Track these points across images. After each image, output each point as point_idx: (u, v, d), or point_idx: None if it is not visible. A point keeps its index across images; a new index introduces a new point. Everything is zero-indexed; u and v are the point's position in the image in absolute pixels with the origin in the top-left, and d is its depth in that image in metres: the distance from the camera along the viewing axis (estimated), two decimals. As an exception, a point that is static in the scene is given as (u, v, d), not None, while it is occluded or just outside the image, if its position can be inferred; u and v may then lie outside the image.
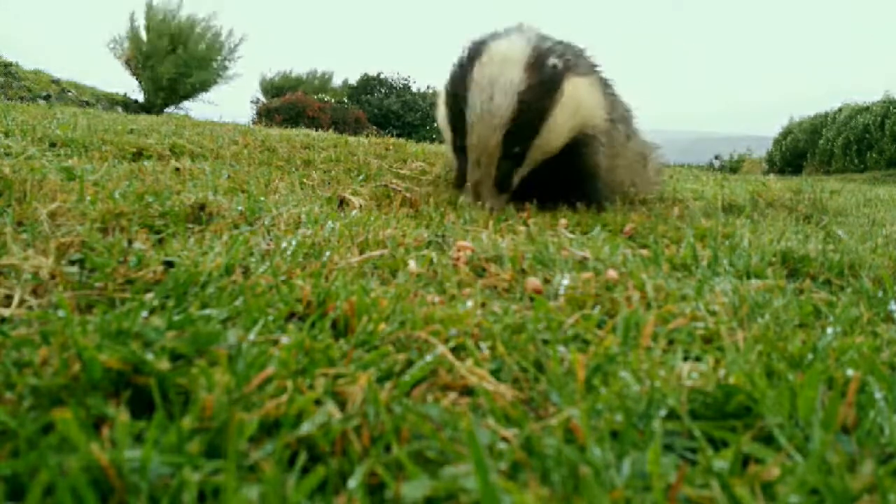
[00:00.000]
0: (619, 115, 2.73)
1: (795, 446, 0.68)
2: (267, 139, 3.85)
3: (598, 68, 2.66)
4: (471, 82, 2.25)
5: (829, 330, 1.03)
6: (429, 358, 0.82)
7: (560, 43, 2.51)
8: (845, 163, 16.59)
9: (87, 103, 12.46)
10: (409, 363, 0.84)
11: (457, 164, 2.53)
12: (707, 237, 1.93)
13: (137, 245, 1.20)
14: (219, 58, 17.19)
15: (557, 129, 2.32)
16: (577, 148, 2.46)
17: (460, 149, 2.39)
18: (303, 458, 0.61)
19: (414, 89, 22.56)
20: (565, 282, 1.22)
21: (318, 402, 0.70)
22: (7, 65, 12.97)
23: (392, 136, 8.11)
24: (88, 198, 1.54)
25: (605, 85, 2.65)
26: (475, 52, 2.34)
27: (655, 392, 0.74)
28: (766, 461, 0.66)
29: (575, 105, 2.35)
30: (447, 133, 2.51)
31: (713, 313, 1.11)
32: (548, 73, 2.26)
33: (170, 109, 15.97)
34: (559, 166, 2.44)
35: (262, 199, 1.88)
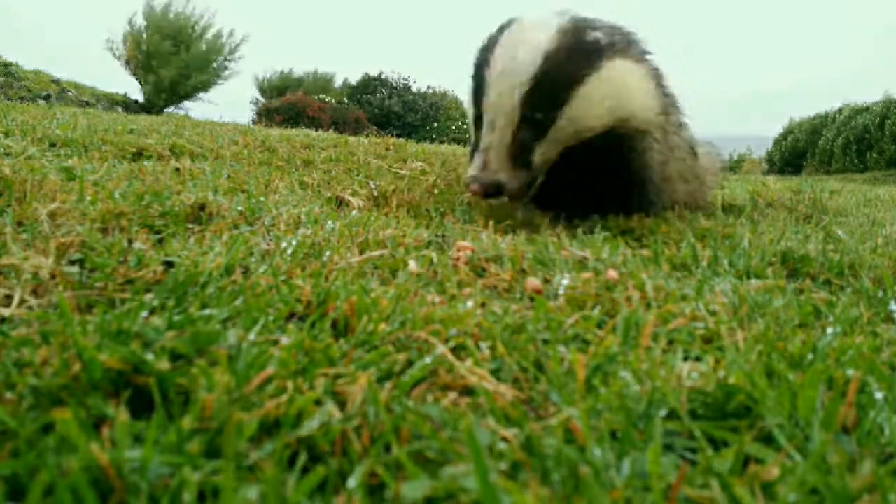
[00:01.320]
0: (675, 118, 2.48)
1: (795, 446, 0.68)
2: (267, 139, 3.85)
3: (649, 57, 2.39)
4: (496, 46, 2.09)
5: (829, 330, 1.03)
6: (429, 358, 0.82)
7: (610, 25, 2.26)
8: (845, 163, 16.58)
9: (87, 103, 12.46)
10: (409, 363, 0.84)
11: (473, 139, 2.25)
12: (707, 237, 1.94)
13: (137, 245, 1.20)
14: (220, 59, 17.16)
15: (594, 105, 2.06)
16: (622, 145, 2.21)
17: (478, 118, 2.15)
18: (303, 458, 0.61)
19: (414, 90, 22.56)
20: (565, 282, 1.22)
21: (318, 402, 0.70)
22: (7, 65, 12.96)
23: (392, 136, 8.11)
24: (88, 198, 1.54)
25: (658, 76, 2.38)
26: (507, 23, 2.18)
27: (655, 392, 0.74)
28: (766, 461, 0.66)
29: (617, 88, 2.11)
30: (469, 108, 2.26)
31: (713, 313, 1.11)
32: (587, 42, 2.05)
33: (170, 109, 15.96)
34: (599, 168, 2.21)
35: (262, 199, 1.88)
